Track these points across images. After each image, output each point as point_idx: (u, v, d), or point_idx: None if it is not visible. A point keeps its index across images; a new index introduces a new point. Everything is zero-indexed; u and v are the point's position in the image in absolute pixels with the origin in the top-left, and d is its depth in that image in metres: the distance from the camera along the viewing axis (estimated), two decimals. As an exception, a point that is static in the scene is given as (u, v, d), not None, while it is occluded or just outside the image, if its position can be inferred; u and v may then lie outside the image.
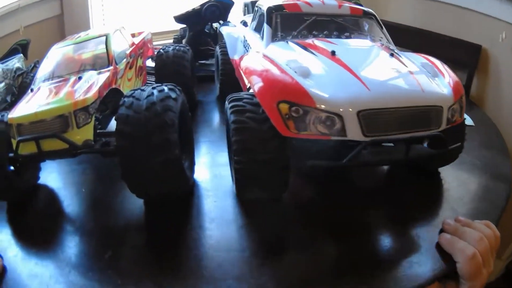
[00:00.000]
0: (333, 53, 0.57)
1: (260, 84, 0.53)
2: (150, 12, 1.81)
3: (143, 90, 0.59)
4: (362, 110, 0.49)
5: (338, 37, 0.65)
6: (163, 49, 0.93)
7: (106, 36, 0.78)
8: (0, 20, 1.31)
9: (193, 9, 1.12)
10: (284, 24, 0.67)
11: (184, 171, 0.59)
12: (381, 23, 0.73)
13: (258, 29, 0.75)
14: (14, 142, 0.60)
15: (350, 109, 0.48)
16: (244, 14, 1.31)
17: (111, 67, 0.72)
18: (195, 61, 1.01)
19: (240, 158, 0.52)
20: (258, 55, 0.60)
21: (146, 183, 0.57)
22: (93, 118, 0.60)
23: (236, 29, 0.95)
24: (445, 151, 0.56)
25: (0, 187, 0.62)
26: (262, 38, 0.67)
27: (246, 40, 0.78)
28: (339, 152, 0.51)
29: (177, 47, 0.92)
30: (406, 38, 1.42)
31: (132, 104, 0.55)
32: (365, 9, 0.74)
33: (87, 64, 0.72)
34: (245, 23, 0.96)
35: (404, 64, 0.58)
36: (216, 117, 0.99)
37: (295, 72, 0.53)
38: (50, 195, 0.71)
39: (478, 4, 1.21)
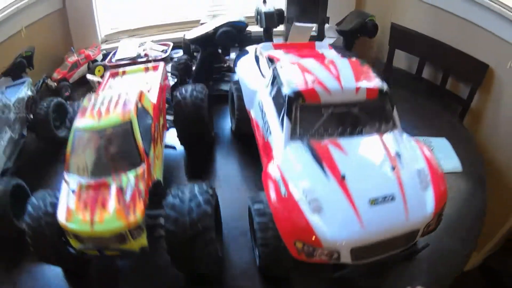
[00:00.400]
0: (343, 178, 0.65)
1: (280, 221, 0.63)
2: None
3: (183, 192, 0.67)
4: (354, 247, 0.61)
5: (351, 134, 0.70)
6: (180, 95, 0.93)
7: (131, 123, 0.74)
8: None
9: (207, 33, 1.11)
10: (303, 119, 0.70)
11: (217, 252, 0.69)
12: (393, 102, 0.76)
13: (276, 101, 0.78)
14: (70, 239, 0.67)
15: (346, 247, 0.61)
16: (257, 22, 1.29)
17: (144, 165, 0.72)
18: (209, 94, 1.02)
19: (264, 250, 0.66)
20: (276, 170, 0.68)
21: (187, 263, 0.68)
22: (145, 228, 0.66)
23: (252, 76, 0.94)
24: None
25: (56, 256, 0.69)
26: (282, 130, 0.71)
27: (265, 113, 0.80)
28: (334, 267, 0.65)
29: (194, 93, 0.93)
30: (418, 45, 1.45)
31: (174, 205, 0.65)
32: (380, 87, 0.76)
33: (120, 165, 0.71)
34: (257, 59, 0.98)
35: (401, 180, 0.65)
36: (233, 157, 1.03)
37: (309, 203, 0.62)
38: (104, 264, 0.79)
39: (492, 25, 1.21)
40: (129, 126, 0.73)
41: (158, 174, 0.80)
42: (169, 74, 1.18)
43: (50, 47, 1.58)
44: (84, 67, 1.46)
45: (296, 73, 0.76)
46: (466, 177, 0.98)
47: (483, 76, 1.27)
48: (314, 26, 1.35)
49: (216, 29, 1.10)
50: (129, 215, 0.64)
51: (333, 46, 1.03)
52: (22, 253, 0.80)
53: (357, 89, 0.73)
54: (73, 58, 1.44)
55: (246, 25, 1.14)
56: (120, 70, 0.99)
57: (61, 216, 0.66)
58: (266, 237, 0.64)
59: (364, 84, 0.74)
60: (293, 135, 0.70)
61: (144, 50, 1.49)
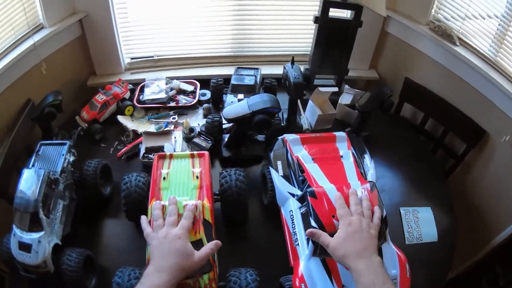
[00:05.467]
0: (343, 286, 0.87)
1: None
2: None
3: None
4: None
5: None
6: (226, 183, 1.04)
7: (201, 240, 0.85)
8: (19, 62, 1.29)
9: (244, 116, 1.21)
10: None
11: None
12: (387, 224, 0.95)
13: (304, 221, 0.96)
14: None
15: None
16: (282, 83, 1.41)
17: (213, 268, 0.86)
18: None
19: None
20: (301, 279, 0.89)
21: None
22: None
23: (284, 182, 1.08)
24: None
25: None
26: (307, 247, 0.93)
27: (295, 224, 0.98)
28: None
29: (238, 183, 1.04)
30: (426, 101, 1.61)
31: None
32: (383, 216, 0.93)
33: (197, 272, 0.84)
34: (286, 152, 1.12)
35: None
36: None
37: None
38: None
39: (497, 99, 1.36)
40: (199, 244, 0.86)
41: (217, 261, 0.94)
42: (201, 139, 1.32)
43: (73, 74, 1.63)
44: (113, 106, 1.48)
45: (323, 207, 0.91)
46: (440, 245, 1.15)
47: (479, 139, 1.46)
48: (335, 90, 1.49)
49: (253, 113, 1.20)
50: None
51: (349, 135, 1.18)
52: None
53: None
54: (102, 98, 1.44)
55: (280, 110, 1.23)
56: (168, 153, 1.07)
57: None
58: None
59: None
60: (313, 254, 0.92)
61: (172, 89, 1.59)
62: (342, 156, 1.12)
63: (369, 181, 1.00)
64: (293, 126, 1.43)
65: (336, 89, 1.49)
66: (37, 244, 0.90)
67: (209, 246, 0.83)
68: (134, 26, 1.68)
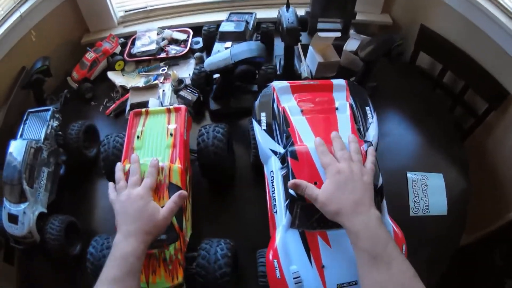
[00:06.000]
0: (322, 267, 0.76)
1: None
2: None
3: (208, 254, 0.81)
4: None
5: (338, 227, 0.73)
6: (202, 141, 0.96)
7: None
8: (8, 34, 1.29)
9: (226, 66, 1.09)
10: (301, 214, 0.78)
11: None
12: (383, 194, 0.82)
13: (284, 183, 0.82)
14: None
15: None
16: (276, 29, 1.28)
17: (180, 238, 0.82)
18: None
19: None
20: (275, 255, 0.78)
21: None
22: (185, 282, 0.81)
23: (267, 138, 0.94)
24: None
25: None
26: (285, 216, 0.80)
27: (274, 188, 0.85)
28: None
29: (216, 142, 0.94)
30: (444, 52, 1.42)
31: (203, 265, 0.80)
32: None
33: (163, 243, 0.81)
34: (273, 104, 0.96)
35: None
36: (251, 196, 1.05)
37: (295, 285, 0.75)
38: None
39: None
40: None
41: (189, 229, 0.90)
42: (187, 91, 1.21)
43: (65, 35, 1.57)
44: (103, 63, 1.44)
45: (304, 172, 0.78)
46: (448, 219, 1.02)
47: (502, 101, 1.27)
48: (337, 35, 1.31)
49: (236, 64, 1.08)
50: (174, 279, 0.80)
51: (349, 83, 1.02)
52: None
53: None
54: (91, 56, 1.41)
55: (265, 60, 1.12)
56: (143, 110, 0.99)
57: None
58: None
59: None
60: (292, 225, 0.80)
61: (163, 39, 1.49)
62: (337, 109, 0.94)
63: (365, 141, 0.84)
64: (291, 74, 1.33)
65: (338, 34, 1.31)
66: (22, 215, 0.93)
67: (172, 200, 0.77)
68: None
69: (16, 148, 0.96)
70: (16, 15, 1.30)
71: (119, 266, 0.66)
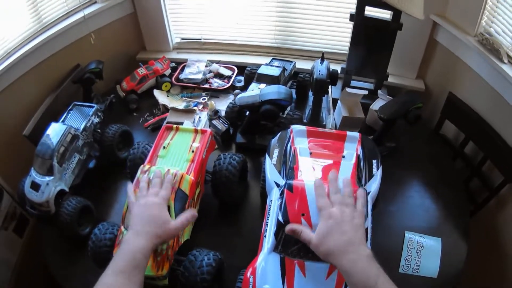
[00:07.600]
0: None
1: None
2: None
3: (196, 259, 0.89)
4: None
5: (318, 260, 0.81)
6: (218, 165, 1.07)
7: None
8: (69, 31, 1.45)
9: (253, 103, 1.21)
10: (285, 241, 0.86)
11: None
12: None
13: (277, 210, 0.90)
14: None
15: None
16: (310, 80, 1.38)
17: (174, 238, 0.89)
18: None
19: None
20: (252, 275, 0.85)
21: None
22: (167, 276, 0.87)
23: (275, 172, 1.04)
24: None
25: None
26: (269, 241, 0.88)
27: (269, 214, 0.93)
28: None
29: (229, 167, 1.05)
30: (467, 120, 1.45)
31: (188, 267, 0.88)
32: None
33: None
34: (287, 145, 1.07)
35: None
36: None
37: None
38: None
39: None
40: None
41: (186, 235, 0.99)
42: (219, 121, 1.35)
43: (122, 46, 1.75)
44: (152, 81, 1.58)
45: (293, 204, 0.86)
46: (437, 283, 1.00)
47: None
48: (364, 93, 1.41)
49: (262, 103, 1.19)
50: (159, 270, 0.87)
51: (363, 137, 1.08)
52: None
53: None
54: (142, 72, 1.54)
55: (290, 104, 1.21)
56: (174, 126, 1.12)
57: None
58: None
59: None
60: (275, 249, 0.88)
61: (210, 72, 1.66)
62: (344, 157, 1.03)
63: (360, 187, 0.92)
64: (316, 123, 1.40)
65: (364, 92, 1.41)
66: (45, 185, 1.03)
67: (185, 216, 0.86)
68: (183, 8, 1.78)
69: (56, 130, 1.08)
70: (80, 15, 1.46)
71: (128, 260, 0.73)
